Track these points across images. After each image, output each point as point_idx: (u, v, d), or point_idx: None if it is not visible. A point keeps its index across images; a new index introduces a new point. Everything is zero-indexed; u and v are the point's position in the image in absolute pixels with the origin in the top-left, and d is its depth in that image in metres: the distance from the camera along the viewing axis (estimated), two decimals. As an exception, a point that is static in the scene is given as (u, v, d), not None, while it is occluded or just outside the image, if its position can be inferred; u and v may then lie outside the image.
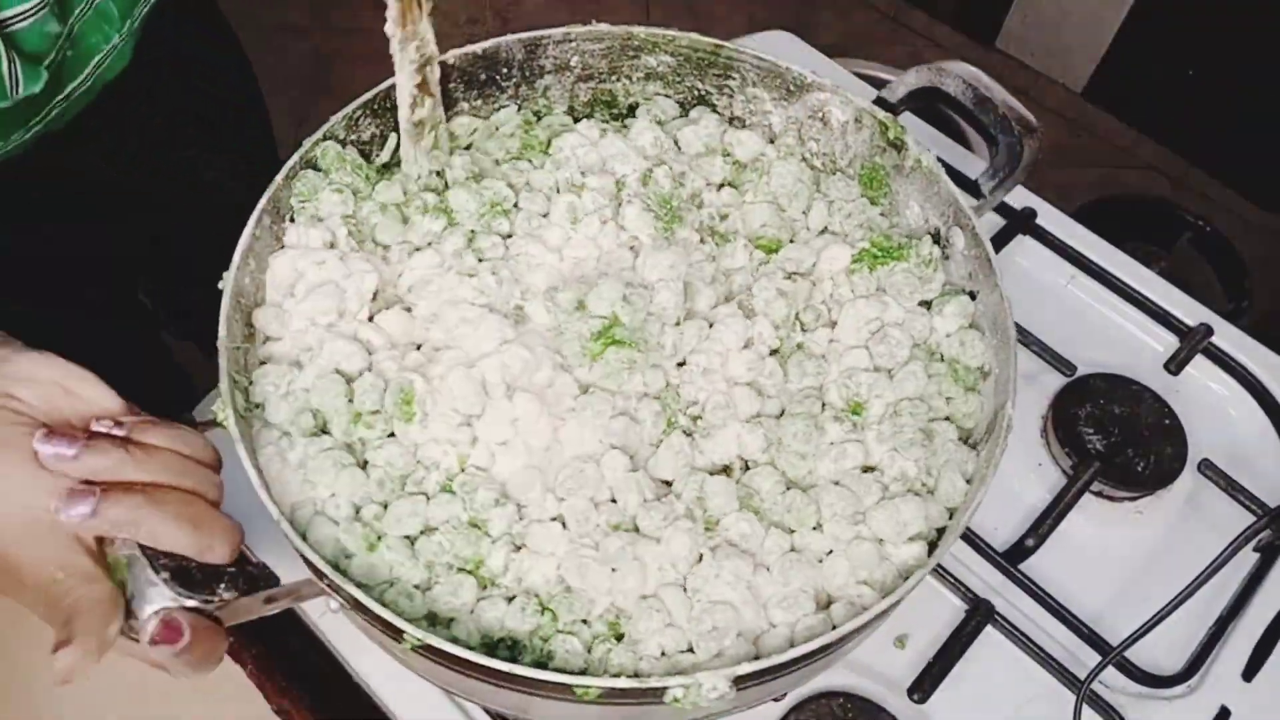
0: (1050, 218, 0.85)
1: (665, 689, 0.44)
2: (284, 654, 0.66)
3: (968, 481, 0.55)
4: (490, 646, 0.50)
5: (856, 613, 0.49)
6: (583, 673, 0.49)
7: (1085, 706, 0.63)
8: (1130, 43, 1.95)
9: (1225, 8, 1.78)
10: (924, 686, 0.63)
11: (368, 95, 0.61)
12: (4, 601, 0.66)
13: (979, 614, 0.66)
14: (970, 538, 0.69)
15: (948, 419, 0.58)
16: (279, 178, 0.58)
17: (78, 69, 0.67)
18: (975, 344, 0.59)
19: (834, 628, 0.48)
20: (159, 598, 0.44)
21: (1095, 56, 2.02)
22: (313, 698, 0.64)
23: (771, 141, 0.69)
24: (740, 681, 0.45)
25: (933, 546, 0.53)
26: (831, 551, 0.53)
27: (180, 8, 0.78)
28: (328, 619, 0.64)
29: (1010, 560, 0.69)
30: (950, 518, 0.54)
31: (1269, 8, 1.72)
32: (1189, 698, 0.65)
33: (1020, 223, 0.84)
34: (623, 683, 0.44)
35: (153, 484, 0.45)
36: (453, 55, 0.63)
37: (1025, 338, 0.78)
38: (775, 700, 0.62)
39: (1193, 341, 0.79)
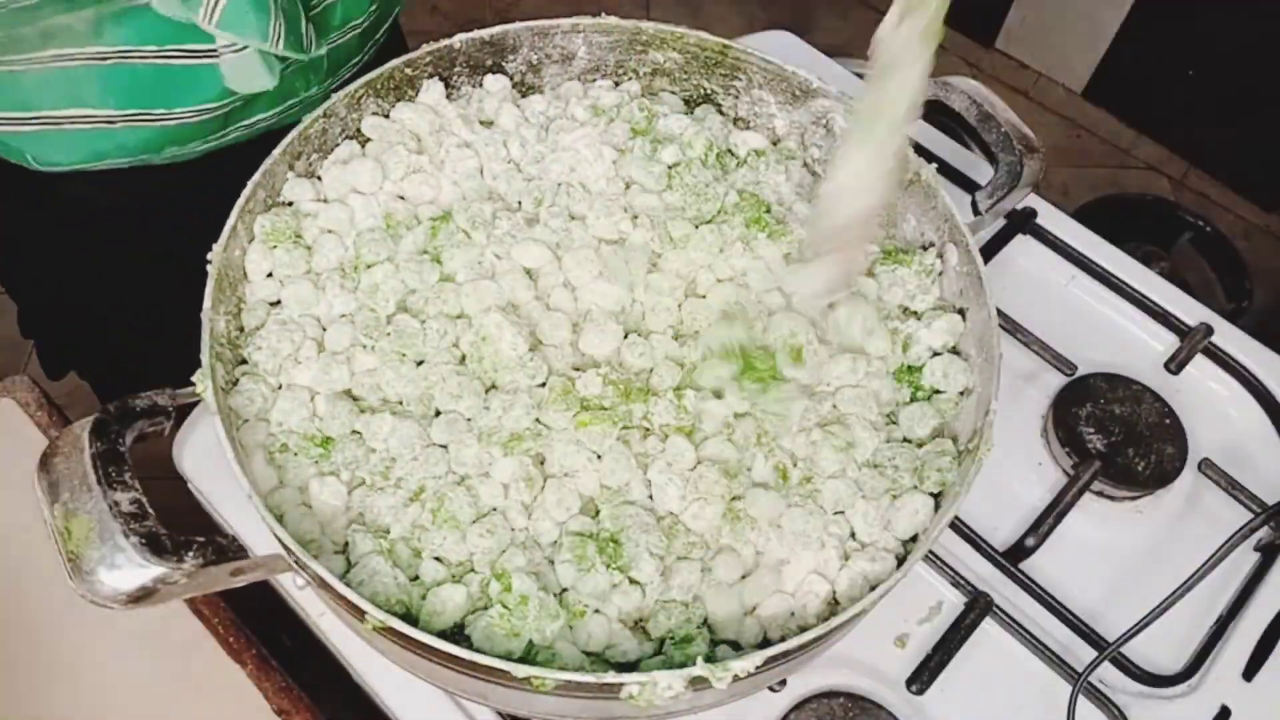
0: (1050, 218, 0.85)
1: (621, 685, 0.44)
2: (284, 654, 0.66)
3: (939, 496, 0.55)
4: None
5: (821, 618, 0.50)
6: (549, 647, 0.50)
7: (1088, 706, 0.63)
8: (1130, 43, 1.95)
9: (1225, 8, 1.78)
10: (922, 678, 0.64)
11: (370, 75, 0.63)
12: (4, 603, 0.66)
13: (978, 609, 0.66)
14: (970, 537, 0.69)
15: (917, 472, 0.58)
16: (276, 152, 0.59)
17: (268, 103, 0.71)
18: (958, 375, 0.60)
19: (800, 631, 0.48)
20: (127, 563, 0.44)
21: (1095, 56, 2.02)
22: (313, 698, 0.64)
23: (775, 144, 0.69)
24: (696, 683, 0.45)
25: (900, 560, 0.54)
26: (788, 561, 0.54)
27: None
28: (328, 618, 0.64)
29: (1010, 559, 0.69)
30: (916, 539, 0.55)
31: (1269, 7, 1.72)
32: (1189, 697, 0.65)
33: (1020, 223, 0.84)
34: (577, 676, 0.44)
35: None
36: (459, 40, 0.64)
37: (1025, 337, 0.78)
38: (773, 691, 0.62)
39: (1193, 341, 0.79)
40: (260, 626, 0.66)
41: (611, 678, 0.44)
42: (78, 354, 0.95)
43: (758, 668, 0.45)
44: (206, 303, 0.52)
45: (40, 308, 0.91)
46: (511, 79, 0.68)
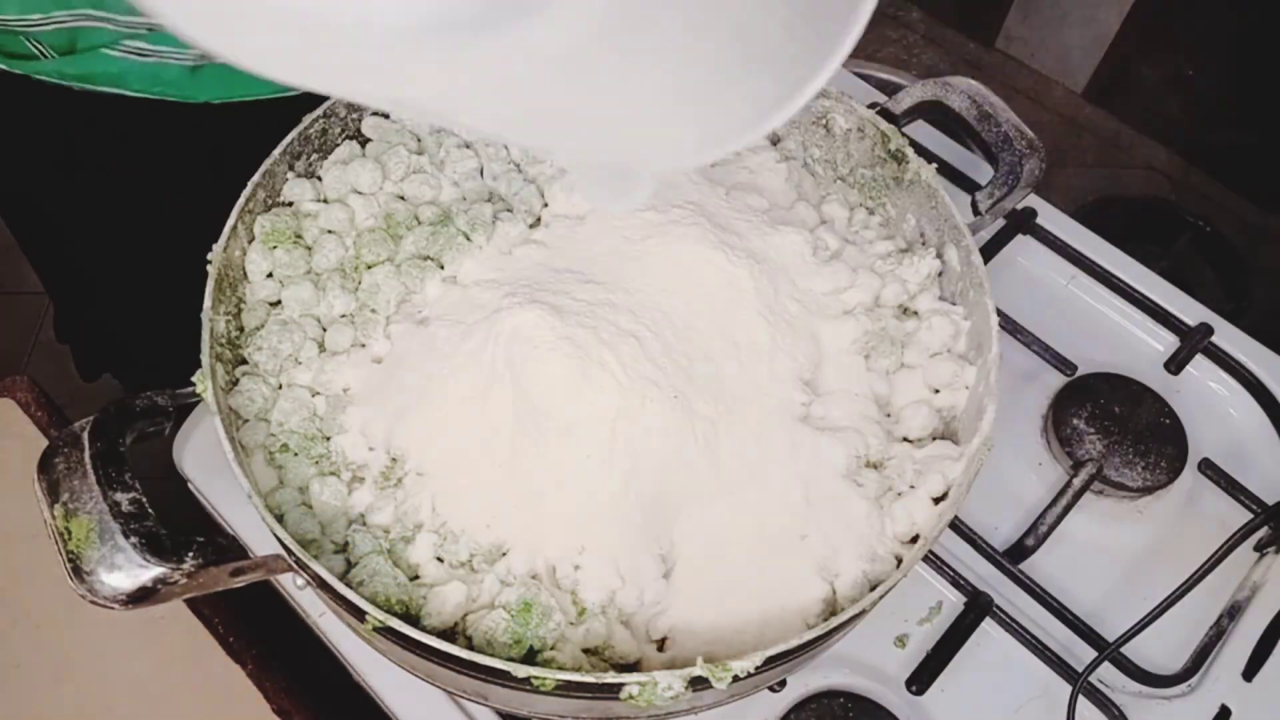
0: (1050, 218, 0.85)
1: (621, 685, 0.44)
2: (284, 654, 0.66)
3: (939, 496, 0.55)
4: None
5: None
6: (550, 649, 0.50)
7: (1088, 706, 0.63)
8: (1130, 43, 1.94)
9: (1225, 8, 1.78)
10: (922, 678, 0.64)
11: None
12: (4, 603, 0.66)
13: (978, 609, 0.66)
14: (970, 537, 0.69)
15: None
16: (276, 152, 0.59)
17: None
18: (958, 375, 0.60)
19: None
20: (127, 563, 0.44)
21: (1095, 56, 2.02)
22: (313, 698, 0.64)
23: (775, 145, 0.69)
24: (696, 683, 0.45)
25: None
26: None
27: None
28: (328, 618, 0.64)
29: (1010, 559, 0.69)
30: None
31: (1269, 8, 1.72)
32: (1189, 697, 0.65)
33: (1020, 223, 0.84)
34: (577, 676, 0.44)
35: None
36: None
37: (1025, 337, 0.78)
38: (773, 691, 0.62)
39: (1193, 341, 0.79)
40: (261, 625, 0.66)
41: (611, 678, 0.44)
42: (110, 356, 0.96)
43: (758, 668, 0.45)
44: (206, 303, 0.53)
45: (76, 308, 0.93)
46: None
